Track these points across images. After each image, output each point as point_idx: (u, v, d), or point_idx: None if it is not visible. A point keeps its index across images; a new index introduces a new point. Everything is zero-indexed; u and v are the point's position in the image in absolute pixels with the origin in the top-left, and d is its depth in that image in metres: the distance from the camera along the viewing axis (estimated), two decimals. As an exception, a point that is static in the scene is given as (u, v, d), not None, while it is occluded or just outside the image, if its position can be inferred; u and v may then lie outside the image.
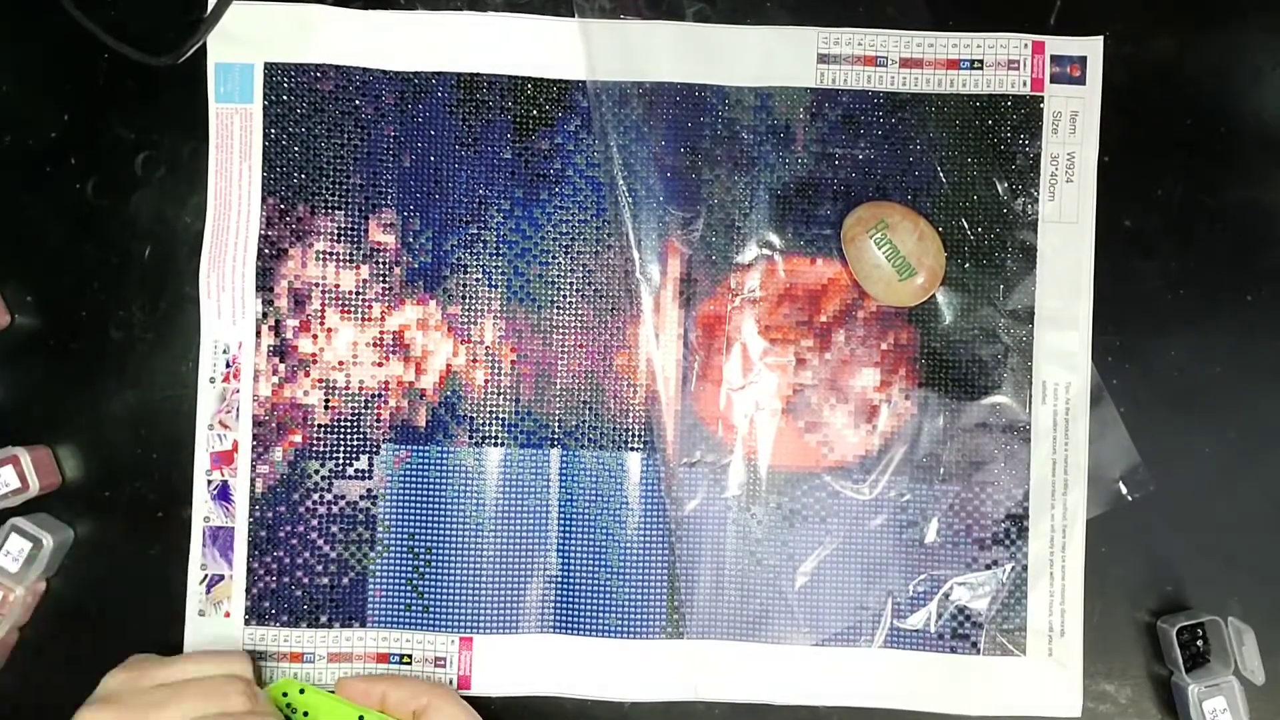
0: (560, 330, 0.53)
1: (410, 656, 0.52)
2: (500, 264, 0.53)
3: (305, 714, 0.48)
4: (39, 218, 0.53)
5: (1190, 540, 0.52)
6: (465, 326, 0.53)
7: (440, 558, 0.52)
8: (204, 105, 0.53)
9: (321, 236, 0.53)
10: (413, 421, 0.53)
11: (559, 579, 0.52)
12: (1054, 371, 0.52)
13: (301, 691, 0.48)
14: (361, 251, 0.53)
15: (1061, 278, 0.52)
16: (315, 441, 0.52)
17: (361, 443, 0.52)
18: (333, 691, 0.49)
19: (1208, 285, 0.53)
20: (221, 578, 0.52)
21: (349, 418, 0.52)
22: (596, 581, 0.52)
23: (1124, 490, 0.52)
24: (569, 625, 0.52)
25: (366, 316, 0.53)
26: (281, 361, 0.52)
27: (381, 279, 0.53)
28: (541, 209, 0.53)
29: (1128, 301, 0.53)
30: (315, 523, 0.52)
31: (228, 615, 0.52)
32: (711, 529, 0.52)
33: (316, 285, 0.53)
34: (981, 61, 0.53)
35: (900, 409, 0.52)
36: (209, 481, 0.52)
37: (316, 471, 0.52)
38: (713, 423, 0.52)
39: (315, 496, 0.52)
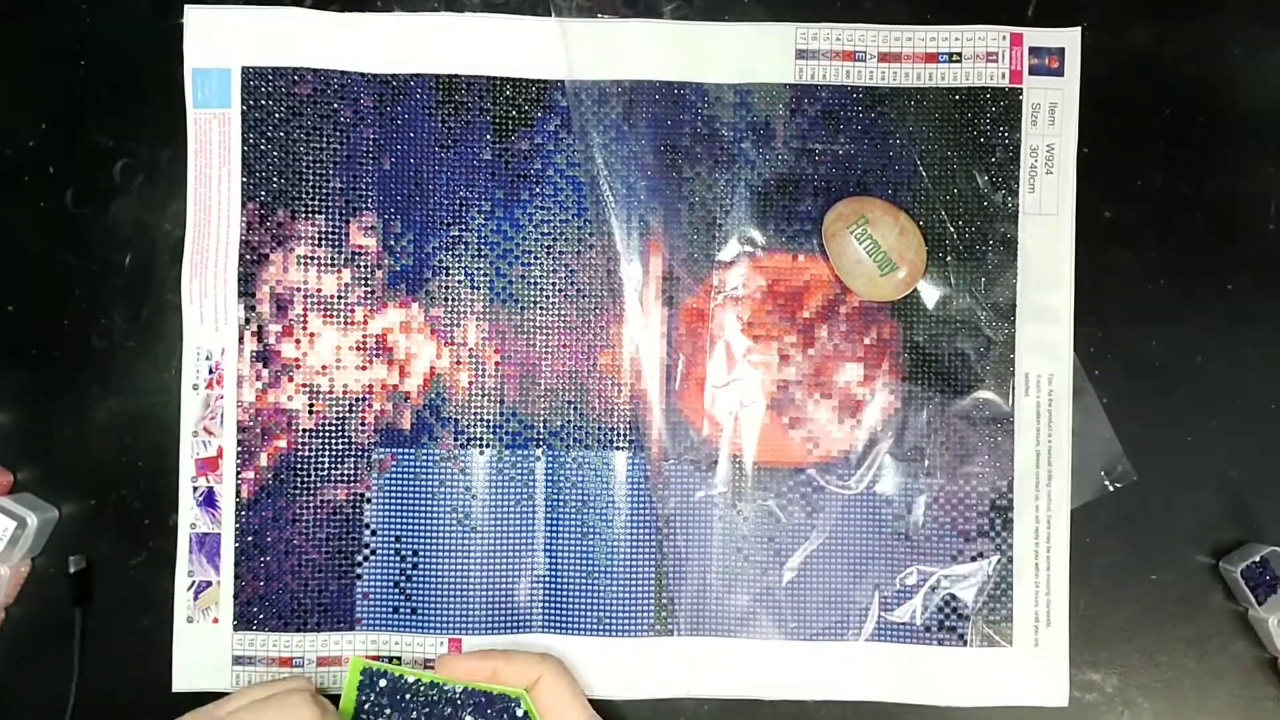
0: (544, 330, 0.53)
1: (399, 659, 0.52)
2: (482, 265, 0.53)
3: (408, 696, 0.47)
4: (18, 227, 0.53)
5: (1173, 529, 0.52)
6: (448, 329, 0.53)
7: (427, 560, 0.52)
8: (182, 111, 0.52)
9: (302, 241, 0.52)
10: (398, 425, 0.53)
11: (546, 579, 0.52)
12: (1036, 363, 0.52)
13: (388, 674, 0.48)
14: (343, 255, 0.53)
15: (1042, 270, 0.52)
16: (300, 446, 0.52)
17: (347, 447, 0.52)
18: (429, 667, 0.49)
19: (1188, 275, 0.53)
20: (209, 584, 0.52)
21: (334, 422, 0.52)
22: (584, 580, 0.52)
23: (1107, 480, 0.52)
24: (557, 625, 0.52)
25: (349, 320, 0.53)
26: (265, 367, 0.52)
27: (363, 282, 0.53)
28: (522, 209, 0.53)
29: (1108, 292, 0.53)
30: (301, 527, 0.52)
31: (216, 621, 0.52)
32: (698, 526, 0.52)
33: (298, 290, 0.52)
34: (960, 54, 0.53)
35: (884, 403, 0.53)
36: (194, 488, 0.52)
37: (302, 476, 0.52)
38: (698, 420, 0.52)
39: (301, 501, 0.52)
